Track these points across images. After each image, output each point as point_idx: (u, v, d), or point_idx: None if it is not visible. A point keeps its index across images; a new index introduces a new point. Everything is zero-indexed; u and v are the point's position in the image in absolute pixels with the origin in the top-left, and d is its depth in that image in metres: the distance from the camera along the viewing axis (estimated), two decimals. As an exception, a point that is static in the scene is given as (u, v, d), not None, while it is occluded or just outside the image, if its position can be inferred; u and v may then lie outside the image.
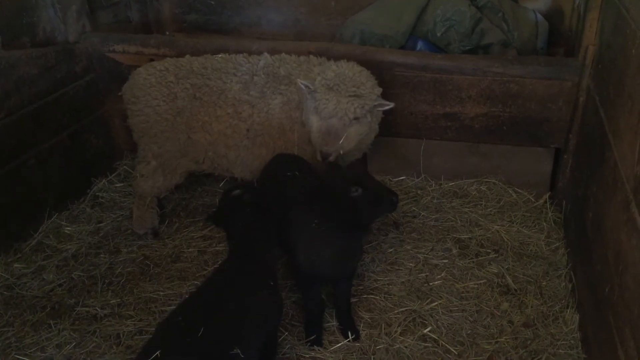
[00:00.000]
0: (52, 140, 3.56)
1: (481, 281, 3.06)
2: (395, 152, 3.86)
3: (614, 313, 2.18)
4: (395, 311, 2.86)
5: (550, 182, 3.73)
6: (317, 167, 3.12)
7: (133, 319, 2.83)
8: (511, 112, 3.53)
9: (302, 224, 2.60)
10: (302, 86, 3.01)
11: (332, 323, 2.81)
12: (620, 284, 2.11)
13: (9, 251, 3.27)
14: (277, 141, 3.30)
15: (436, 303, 2.90)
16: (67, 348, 2.66)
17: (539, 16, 4.28)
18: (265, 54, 3.39)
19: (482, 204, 3.66)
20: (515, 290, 3.00)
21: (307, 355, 2.64)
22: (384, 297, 2.96)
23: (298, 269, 2.65)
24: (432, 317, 2.83)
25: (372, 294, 2.98)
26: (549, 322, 2.80)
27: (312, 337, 2.68)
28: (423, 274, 3.10)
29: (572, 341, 2.69)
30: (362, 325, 2.80)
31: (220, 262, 2.89)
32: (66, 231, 3.49)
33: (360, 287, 3.02)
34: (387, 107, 3.07)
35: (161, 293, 3.00)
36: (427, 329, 2.74)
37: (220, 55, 3.40)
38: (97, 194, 3.86)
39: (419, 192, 3.79)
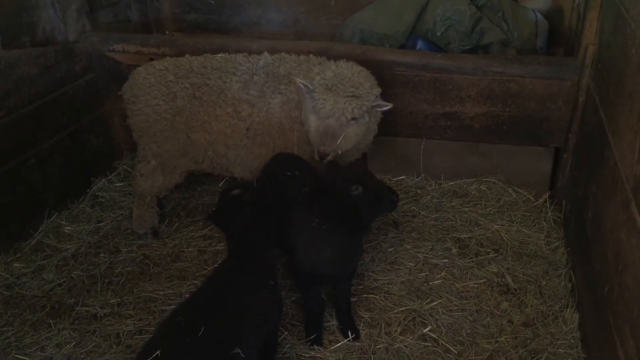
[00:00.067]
0: (52, 139, 3.56)
1: (481, 281, 3.06)
2: (395, 152, 3.86)
3: (613, 312, 2.18)
4: (395, 311, 2.86)
5: (550, 181, 3.73)
6: (317, 167, 3.12)
7: (133, 319, 2.83)
8: (511, 112, 3.53)
9: (302, 223, 2.60)
10: (301, 86, 3.01)
11: (332, 322, 2.81)
12: (620, 283, 2.11)
13: (9, 251, 3.27)
14: (277, 141, 3.29)
15: (436, 302, 2.90)
16: (67, 347, 2.66)
17: (539, 15, 4.28)
18: (265, 53, 3.39)
19: (481, 203, 3.66)
20: (515, 289, 3.00)
21: (307, 355, 2.64)
22: (384, 296, 2.96)
23: (298, 268, 2.65)
24: (432, 316, 2.83)
25: (372, 293, 2.98)
26: (549, 321, 2.81)
27: (312, 336, 2.68)
28: (423, 274, 3.11)
29: (571, 340, 2.69)
30: (362, 324, 2.80)
31: (220, 261, 2.89)
32: (66, 231, 3.49)
33: (360, 287, 3.02)
34: (385, 108, 3.07)
35: (161, 292, 3.00)
36: (427, 329, 2.74)
37: (220, 55, 3.40)
38: (96, 193, 3.86)
39: (418, 191, 3.79)
